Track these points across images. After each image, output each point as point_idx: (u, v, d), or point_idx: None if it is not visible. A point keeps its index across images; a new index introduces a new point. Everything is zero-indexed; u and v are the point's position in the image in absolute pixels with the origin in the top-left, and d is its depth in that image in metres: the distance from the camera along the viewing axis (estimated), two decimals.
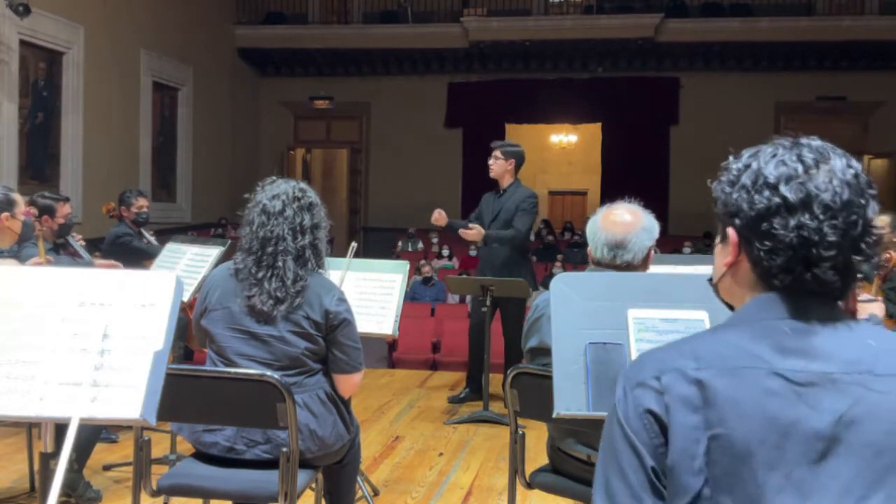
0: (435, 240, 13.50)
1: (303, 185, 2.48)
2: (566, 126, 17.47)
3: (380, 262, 3.69)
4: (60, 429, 1.77)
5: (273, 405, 2.17)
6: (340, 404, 2.44)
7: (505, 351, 5.34)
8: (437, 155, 14.94)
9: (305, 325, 2.34)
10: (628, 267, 2.28)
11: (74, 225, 4.70)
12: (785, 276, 1.01)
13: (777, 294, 1.03)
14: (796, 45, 13.83)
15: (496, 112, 14.91)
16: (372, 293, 3.48)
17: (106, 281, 1.84)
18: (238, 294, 2.36)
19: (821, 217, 0.99)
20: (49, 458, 1.82)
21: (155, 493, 2.34)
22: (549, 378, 1.70)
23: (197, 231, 11.98)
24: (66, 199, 4.47)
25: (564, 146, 18.34)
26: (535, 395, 2.26)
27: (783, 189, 1.00)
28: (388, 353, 8.17)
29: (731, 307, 1.12)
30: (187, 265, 3.87)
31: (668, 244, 10.29)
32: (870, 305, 2.98)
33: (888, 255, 3.96)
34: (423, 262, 10.85)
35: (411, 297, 9.37)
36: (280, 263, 2.34)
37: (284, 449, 2.22)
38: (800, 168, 1.01)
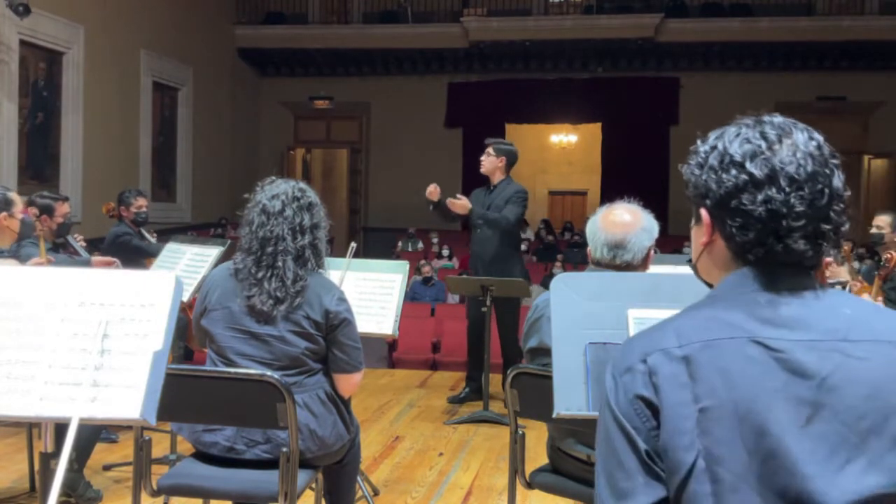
0: (435, 240, 13.50)
1: (302, 184, 2.48)
2: (566, 126, 17.46)
3: (380, 262, 3.69)
4: (60, 429, 1.77)
5: (273, 405, 2.17)
6: (340, 404, 2.44)
7: (502, 350, 5.35)
8: (437, 155, 14.93)
9: (305, 324, 2.34)
10: (628, 267, 2.29)
11: (73, 224, 4.70)
12: (758, 250, 1.04)
13: (751, 268, 1.05)
14: (796, 45, 13.82)
15: (496, 112, 14.90)
16: (372, 293, 3.48)
17: (106, 281, 1.84)
18: (238, 294, 2.36)
19: (787, 189, 1.02)
20: (49, 458, 1.82)
21: (155, 493, 2.34)
22: (549, 378, 1.70)
23: (197, 231, 11.97)
24: (65, 199, 4.46)
25: (564, 146, 18.34)
26: (535, 395, 2.26)
27: (749, 166, 1.03)
28: (388, 353, 8.17)
29: (710, 286, 1.14)
30: (187, 265, 3.87)
31: (668, 244, 10.28)
32: None
33: (889, 256, 3.96)
34: (423, 262, 10.85)
35: (411, 297, 9.37)
36: (280, 263, 2.34)
37: (284, 449, 2.22)
38: (763, 144, 1.04)
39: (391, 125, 15.53)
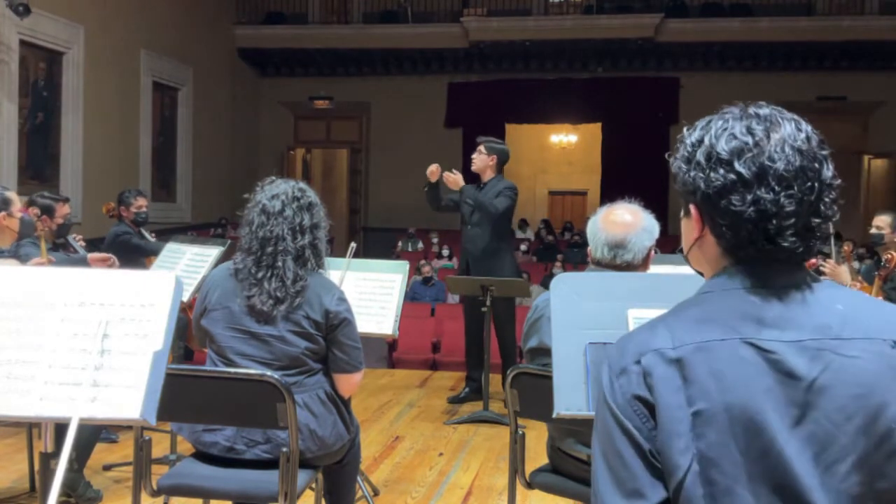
0: (435, 240, 13.50)
1: (302, 184, 2.48)
2: (566, 126, 17.46)
3: (380, 262, 3.69)
4: (60, 429, 1.77)
5: (273, 405, 2.17)
6: (340, 404, 2.44)
7: (500, 349, 5.35)
8: (437, 155, 14.79)
9: (305, 324, 2.34)
10: (628, 267, 2.29)
11: (73, 225, 4.70)
12: (748, 249, 1.03)
13: (743, 265, 1.05)
14: (796, 45, 13.82)
15: (496, 112, 14.89)
16: (372, 293, 3.48)
17: (106, 281, 1.84)
18: (238, 294, 2.36)
19: (776, 188, 1.01)
20: (49, 458, 1.82)
21: (155, 493, 2.34)
22: (549, 378, 1.70)
23: (197, 231, 11.97)
24: (66, 200, 4.47)
25: (564, 146, 18.33)
26: (535, 395, 2.26)
27: (737, 165, 1.02)
28: (388, 353, 8.17)
29: (701, 274, 1.14)
30: (187, 265, 3.87)
31: (668, 244, 10.27)
32: None
33: (889, 256, 3.96)
34: (423, 262, 10.85)
35: (411, 297, 9.36)
36: (280, 263, 2.34)
37: (284, 449, 2.22)
38: (750, 141, 1.03)
39: (391, 125, 15.52)
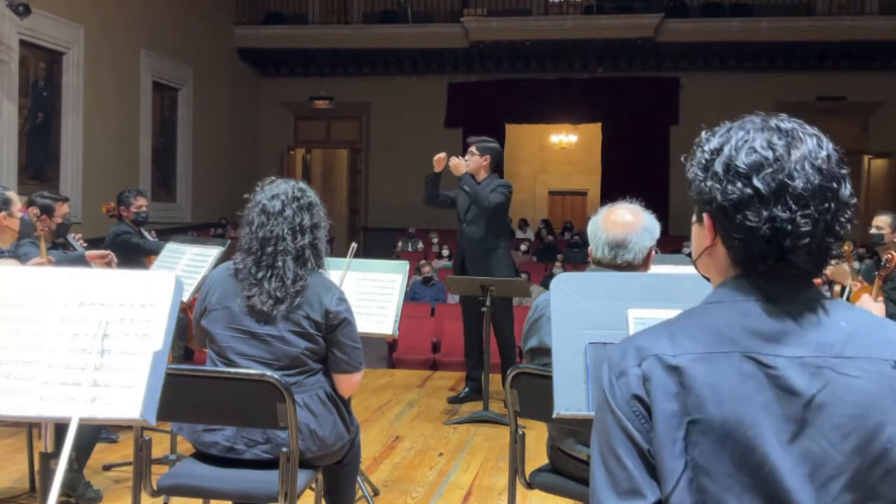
0: (435, 240, 13.50)
1: (302, 184, 2.48)
2: (566, 126, 17.46)
3: (380, 262, 3.69)
4: (60, 429, 1.77)
5: (273, 405, 2.17)
6: (340, 404, 2.44)
7: (498, 349, 5.35)
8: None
9: (305, 324, 2.34)
10: (629, 266, 2.29)
11: (73, 225, 4.70)
12: (760, 264, 1.03)
13: (751, 277, 1.04)
14: (796, 45, 13.82)
15: (496, 112, 14.89)
16: (372, 293, 3.48)
17: (106, 281, 1.84)
18: (238, 294, 2.36)
19: (793, 207, 0.99)
20: (49, 458, 1.82)
21: (155, 493, 2.33)
22: (549, 378, 1.70)
23: (197, 231, 11.97)
24: (65, 199, 4.47)
25: (564, 146, 18.33)
26: (535, 395, 2.26)
27: (755, 180, 1.00)
28: (388, 353, 8.17)
29: (708, 279, 1.14)
30: (187, 265, 3.87)
31: (668, 244, 10.28)
32: (870, 305, 2.99)
33: (889, 256, 3.96)
34: (423, 262, 10.84)
35: (411, 297, 9.36)
36: (280, 263, 2.34)
37: (284, 449, 2.22)
38: (770, 156, 1.01)
39: (391, 125, 15.52)
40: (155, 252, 4.71)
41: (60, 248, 4.29)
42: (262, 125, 15.94)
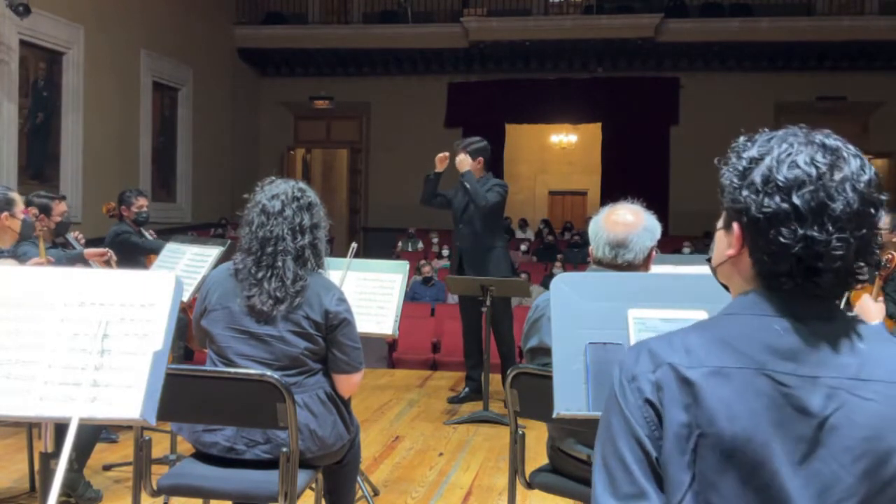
0: (435, 240, 13.49)
1: (302, 184, 2.48)
2: (566, 126, 17.46)
3: (380, 262, 3.69)
4: (60, 429, 1.77)
5: (273, 405, 2.17)
6: (340, 404, 2.44)
7: (497, 348, 5.35)
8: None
9: (305, 324, 2.34)
10: (629, 266, 2.29)
11: (73, 224, 4.70)
12: (786, 281, 1.00)
13: (774, 292, 1.02)
14: (796, 45, 13.82)
15: (496, 112, 14.90)
16: (372, 293, 3.48)
17: (106, 281, 1.84)
18: (238, 294, 2.36)
19: (830, 230, 0.97)
20: (49, 458, 1.82)
21: (155, 493, 2.33)
22: (549, 378, 1.70)
23: (197, 231, 11.97)
24: (62, 198, 4.47)
25: (564, 146, 18.33)
26: (535, 395, 2.26)
27: (794, 196, 0.97)
28: (388, 353, 8.16)
29: (727, 288, 1.12)
30: (187, 265, 3.87)
31: (668, 244, 10.29)
32: (870, 305, 2.98)
33: (889, 256, 3.96)
34: (423, 262, 10.84)
35: (411, 297, 9.36)
36: (279, 263, 2.33)
37: (284, 449, 2.22)
38: (813, 173, 0.98)
39: (391, 125, 15.53)
40: (155, 251, 4.71)
41: (60, 248, 4.29)
42: (262, 125, 15.94)
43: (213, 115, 13.78)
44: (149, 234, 5.34)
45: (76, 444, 2.68)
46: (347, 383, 2.44)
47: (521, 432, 2.41)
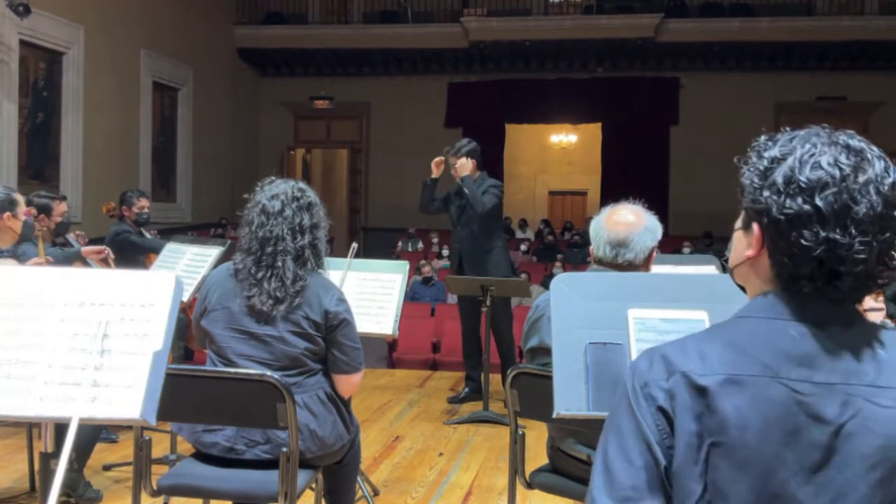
0: (435, 240, 13.49)
1: (302, 184, 2.48)
2: (566, 126, 17.46)
3: (380, 262, 3.69)
4: (60, 429, 1.77)
5: (273, 405, 2.17)
6: (340, 404, 2.44)
7: (497, 348, 5.35)
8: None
9: (305, 325, 2.34)
10: (630, 266, 2.29)
11: (73, 224, 4.70)
12: (806, 284, 0.99)
13: (792, 294, 1.01)
14: (796, 45, 13.82)
15: (496, 112, 14.91)
16: (372, 293, 3.48)
17: (106, 281, 1.84)
18: (238, 294, 2.36)
19: (853, 233, 0.95)
20: (49, 458, 1.82)
21: (155, 493, 2.33)
22: (549, 378, 1.69)
23: (197, 231, 11.97)
24: (63, 198, 4.47)
25: (564, 146, 18.33)
26: (535, 395, 2.26)
27: (817, 199, 0.96)
28: (388, 353, 8.16)
29: (743, 289, 1.11)
30: (187, 265, 3.87)
31: (668, 244, 10.28)
32: (870, 304, 2.99)
33: None
34: (423, 262, 10.84)
35: (411, 297, 9.36)
36: (279, 263, 2.33)
37: (284, 449, 2.22)
38: (837, 174, 0.96)
39: (391, 125, 15.53)
40: (154, 249, 4.71)
41: (59, 247, 4.29)
42: (262, 125, 15.95)
43: (213, 115, 13.78)
44: (149, 235, 5.34)
45: (76, 444, 2.68)
46: (347, 383, 2.44)
47: (521, 432, 2.41)
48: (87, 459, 3.36)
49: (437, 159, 5.34)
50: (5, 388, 1.72)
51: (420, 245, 13.81)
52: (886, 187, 0.97)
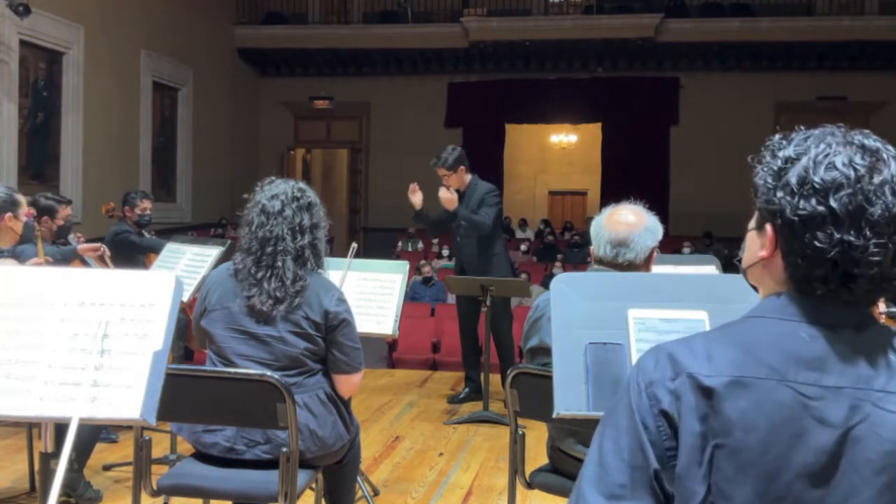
0: (435, 240, 13.49)
1: (301, 184, 2.48)
2: (566, 126, 17.47)
3: (380, 262, 3.69)
4: (60, 429, 1.77)
5: (273, 405, 2.17)
6: (340, 404, 2.44)
7: (496, 348, 5.35)
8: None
9: (305, 325, 2.34)
10: (630, 266, 2.29)
11: (73, 226, 4.71)
12: (819, 286, 0.98)
13: (804, 296, 1.00)
14: (796, 45, 13.82)
15: (496, 112, 14.91)
16: (372, 293, 3.48)
17: (106, 281, 1.84)
18: (237, 294, 2.36)
19: (868, 234, 0.94)
20: (49, 458, 1.82)
21: (155, 493, 2.33)
22: (549, 378, 1.69)
23: (197, 231, 11.98)
24: (69, 202, 4.50)
25: (564, 146, 18.34)
26: (535, 395, 2.26)
27: (832, 200, 0.94)
28: (388, 353, 8.16)
29: (755, 288, 1.10)
30: (187, 265, 3.87)
31: (668, 244, 10.28)
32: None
33: None
34: (423, 262, 10.83)
35: (411, 297, 9.36)
36: (279, 263, 2.33)
37: (284, 449, 2.22)
38: (852, 175, 0.95)
39: (391, 125, 15.53)
40: (154, 249, 4.71)
41: (56, 246, 4.29)
42: (262, 125, 15.95)
43: (213, 115, 13.78)
44: (149, 235, 5.34)
45: (76, 444, 2.68)
46: (347, 384, 2.44)
47: (521, 432, 2.41)
48: (87, 459, 3.36)
49: (411, 187, 5.18)
50: (5, 388, 1.72)
51: (420, 245, 13.80)
52: None
